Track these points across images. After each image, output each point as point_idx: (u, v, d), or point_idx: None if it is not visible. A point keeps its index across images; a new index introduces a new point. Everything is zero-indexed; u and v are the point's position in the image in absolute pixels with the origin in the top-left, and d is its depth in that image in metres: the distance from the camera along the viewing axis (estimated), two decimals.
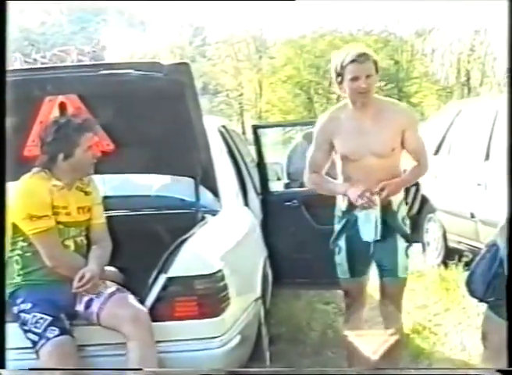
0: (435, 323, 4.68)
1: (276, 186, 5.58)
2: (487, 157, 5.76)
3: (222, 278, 3.14)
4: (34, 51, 5.69)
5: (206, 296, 3.08)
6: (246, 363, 3.46)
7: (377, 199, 3.36)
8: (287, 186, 6.11)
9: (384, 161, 3.42)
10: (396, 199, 3.50)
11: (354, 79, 3.32)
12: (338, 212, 3.59)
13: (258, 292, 3.74)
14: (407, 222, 3.56)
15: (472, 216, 5.78)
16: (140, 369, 2.93)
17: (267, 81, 29.55)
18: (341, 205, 3.55)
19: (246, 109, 31.16)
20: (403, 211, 3.54)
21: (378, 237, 3.43)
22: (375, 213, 3.40)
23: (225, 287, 3.15)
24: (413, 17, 26.61)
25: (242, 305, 3.42)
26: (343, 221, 3.54)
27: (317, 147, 3.56)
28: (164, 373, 2.98)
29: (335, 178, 3.59)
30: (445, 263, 5.98)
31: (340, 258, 3.58)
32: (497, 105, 5.76)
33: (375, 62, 3.38)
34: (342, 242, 3.56)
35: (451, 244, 6.20)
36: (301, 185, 6.42)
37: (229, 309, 3.18)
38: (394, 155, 3.46)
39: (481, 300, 2.93)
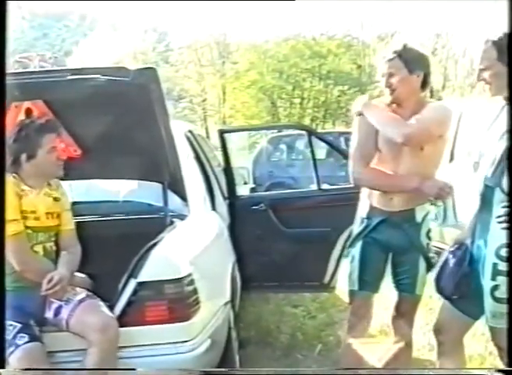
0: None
1: (243, 190, 5.61)
2: (451, 159, 5.85)
3: (192, 282, 3.14)
4: None
5: (176, 300, 3.08)
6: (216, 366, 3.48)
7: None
8: (253, 190, 6.15)
9: (412, 162, 3.26)
10: (421, 210, 3.34)
11: (382, 76, 3.29)
12: (357, 218, 3.44)
13: (227, 296, 3.75)
14: (432, 235, 3.41)
15: (436, 217, 5.86)
16: (134, 369, 2.94)
17: (230, 86, 29.52)
18: (362, 210, 3.42)
19: (209, 115, 31.10)
20: (428, 223, 3.37)
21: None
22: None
23: (195, 292, 3.16)
24: (375, 21, 26.88)
25: (212, 309, 3.42)
26: (361, 227, 3.41)
27: (364, 135, 3.36)
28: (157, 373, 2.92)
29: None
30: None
31: (352, 267, 3.42)
32: (460, 108, 5.84)
33: (408, 60, 3.25)
34: (356, 250, 3.41)
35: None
36: (267, 189, 6.44)
37: (199, 313, 3.18)
38: (422, 157, 3.26)
39: (447, 298, 2.99)
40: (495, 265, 2.74)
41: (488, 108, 2.97)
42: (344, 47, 28.34)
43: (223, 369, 3.18)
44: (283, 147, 13.39)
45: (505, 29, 2.77)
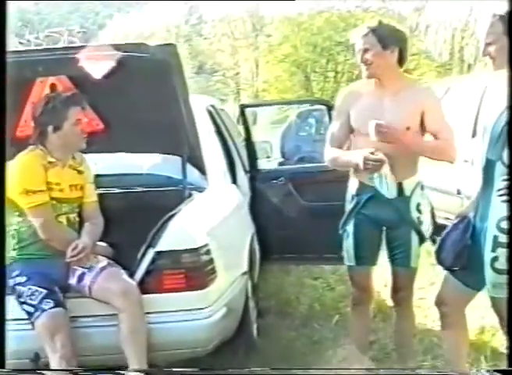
0: (419, 297, 4.81)
1: (267, 164, 5.70)
2: (474, 134, 5.86)
3: (208, 252, 3.27)
4: (28, 32, 5.78)
5: (193, 269, 3.22)
6: (233, 335, 3.60)
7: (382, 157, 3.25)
8: (281, 164, 6.22)
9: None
10: (409, 184, 3.43)
11: (358, 52, 3.37)
12: (348, 196, 3.53)
13: (245, 267, 3.88)
14: (423, 208, 3.47)
15: (458, 192, 5.90)
16: (126, 368, 3.07)
17: (264, 60, 29.44)
18: (351, 188, 3.52)
19: (243, 89, 31.09)
20: (417, 197, 3.45)
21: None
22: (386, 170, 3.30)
23: (211, 261, 3.29)
24: None
25: (228, 278, 3.55)
26: (352, 204, 3.49)
27: (336, 120, 3.55)
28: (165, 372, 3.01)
29: None
30: (432, 239, 6.10)
31: (347, 244, 3.51)
32: (485, 82, 5.84)
33: (382, 35, 3.33)
34: (350, 227, 3.49)
35: (439, 221, 6.32)
36: (295, 164, 6.55)
37: (215, 282, 3.31)
38: (409, 134, 3.36)
39: (448, 268, 3.07)
40: (495, 237, 2.81)
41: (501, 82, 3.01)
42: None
43: (223, 370, 3.29)
44: (312, 121, 13.38)
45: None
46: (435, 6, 17.35)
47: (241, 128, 5.11)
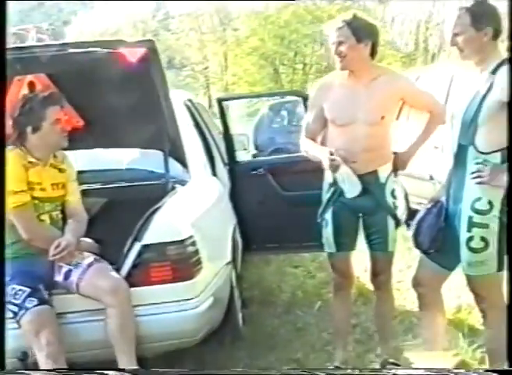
0: (398, 280, 4.91)
1: (243, 156, 5.76)
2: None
3: (193, 244, 3.32)
4: None
5: (179, 261, 3.27)
6: (219, 325, 3.67)
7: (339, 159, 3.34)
8: (255, 156, 6.29)
9: (372, 129, 3.43)
10: (384, 171, 3.50)
11: (332, 44, 3.44)
12: (325, 185, 3.60)
13: (229, 257, 3.94)
14: (397, 194, 3.57)
15: (431, 177, 6.03)
16: (123, 370, 3.06)
17: (232, 53, 29.40)
18: (328, 177, 3.57)
19: (212, 82, 31.02)
20: (391, 184, 3.53)
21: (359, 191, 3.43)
22: (346, 170, 3.39)
23: (196, 252, 3.34)
24: None
25: (213, 269, 3.61)
26: (329, 194, 3.55)
27: (310, 112, 3.63)
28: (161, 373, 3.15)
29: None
30: (407, 224, 6.22)
31: (327, 232, 3.58)
32: (452, 71, 5.95)
33: (356, 29, 3.39)
34: (328, 215, 3.55)
35: (412, 206, 6.45)
36: (268, 155, 6.59)
37: (201, 273, 3.37)
38: (383, 123, 3.46)
39: (425, 252, 3.18)
40: (470, 217, 2.93)
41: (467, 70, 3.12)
42: (345, 11, 28.12)
43: (223, 370, 3.36)
44: (284, 113, 13.47)
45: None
46: None
47: (218, 121, 5.15)
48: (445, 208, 3.09)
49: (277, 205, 4.72)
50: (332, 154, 3.36)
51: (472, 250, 2.95)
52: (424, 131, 3.66)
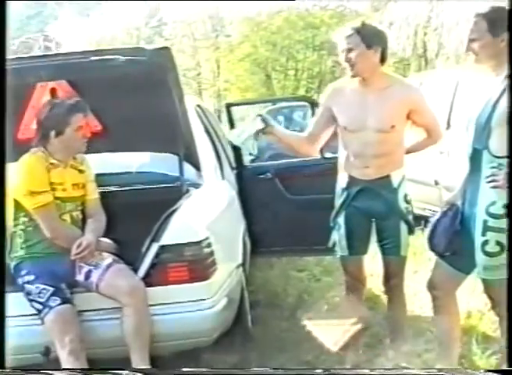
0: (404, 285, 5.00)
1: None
2: (448, 126, 6.08)
3: (209, 245, 3.41)
4: None
5: (195, 261, 3.35)
6: (231, 325, 3.74)
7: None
8: (253, 162, 6.36)
9: (383, 136, 3.49)
10: (396, 176, 3.58)
11: (341, 52, 3.51)
12: (338, 189, 3.67)
13: (240, 259, 4.02)
14: (409, 199, 3.63)
15: (436, 183, 6.11)
16: (123, 369, 3.17)
17: (224, 60, 29.47)
18: (341, 182, 3.66)
19: (204, 88, 31.04)
20: (404, 188, 3.60)
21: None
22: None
23: (212, 254, 3.42)
24: None
25: (227, 270, 3.69)
26: (343, 198, 3.63)
27: (318, 112, 3.74)
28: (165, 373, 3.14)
29: (336, 150, 3.73)
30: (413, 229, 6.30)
31: (339, 236, 3.65)
32: (457, 76, 6.06)
33: (365, 36, 3.46)
34: (341, 219, 3.63)
35: (417, 211, 6.52)
36: (267, 160, 6.66)
37: (216, 274, 3.45)
38: (394, 131, 3.51)
39: (440, 254, 3.24)
40: (485, 221, 2.98)
41: (479, 75, 3.20)
42: (337, 17, 28.27)
43: (223, 369, 3.43)
44: (281, 118, 13.56)
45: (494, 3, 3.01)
46: (397, 2, 17.66)
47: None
48: (460, 212, 3.14)
49: (284, 208, 4.80)
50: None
51: (487, 254, 2.98)
52: (414, 145, 3.74)
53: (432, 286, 3.31)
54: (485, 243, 2.98)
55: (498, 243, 2.95)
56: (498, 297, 3.05)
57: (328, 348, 3.67)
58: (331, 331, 3.74)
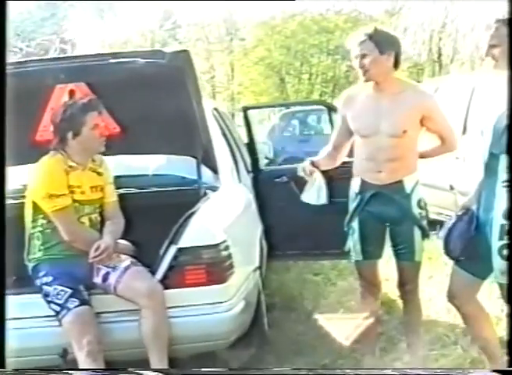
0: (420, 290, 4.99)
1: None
2: (464, 131, 6.06)
3: (227, 248, 3.41)
4: (20, 41, 5.88)
5: (213, 264, 3.36)
6: (248, 328, 3.74)
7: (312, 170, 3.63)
8: (267, 165, 6.37)
9: (396, 141, 3.49)
10: (410, 181, 3.57)
11: (355, 58, 3.50)
12: (352, 194, 3.69)
13: (257, 262, 4.03)
14: (423, 204, 3.62)
15: (451, 187, 6.10)
16: (125, 369, 3.16)
17: (238, 63, 29.58)
18: (354, 186, 3.67)
19: (218, 91, 31.17)
20: (418, 193, 3.59)
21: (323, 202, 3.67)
22: (317, 178, 3.66)
23: (229, 257, 3.42)
24: None
25: (244, 273, 3.70)
26: (356, 202, 3.64)
27: (338, 123, 3.75)
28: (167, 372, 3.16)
29: (351, 155, 3.74)
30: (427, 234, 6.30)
31: (354, 240, 3.67)
32: (473, 82, 6.04)
33: (379, 41, 3.46)
34: (355, 224, 3.64)
35: (432, 216, 6.52)
36: (281, 164, 6.66)
37: (233, 277, 3.45)
38: (406, 137, 3.50)
39: (455, 259, 3.22)
40: (502, 226, 2.95)
41: (495, 80, 3.19)
42: (351, 22, 28.28)
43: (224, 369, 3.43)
44: (295, 123, 13.62)
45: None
46: (411, 8, 17.63)
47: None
48: (476, 217, 3.12)
49: (300, 212, 4.79)
50: (312, 163, 3.61)
51: (504, 258, 2.96)
52: (428, 151, 3.73)
53: (451, 295, 3.29)
54: (503, 247, 2.97)
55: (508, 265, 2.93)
56: (507, 316, 3.08)
57: (340, 342, 3.66)
58: (343, 326, 3.74)
